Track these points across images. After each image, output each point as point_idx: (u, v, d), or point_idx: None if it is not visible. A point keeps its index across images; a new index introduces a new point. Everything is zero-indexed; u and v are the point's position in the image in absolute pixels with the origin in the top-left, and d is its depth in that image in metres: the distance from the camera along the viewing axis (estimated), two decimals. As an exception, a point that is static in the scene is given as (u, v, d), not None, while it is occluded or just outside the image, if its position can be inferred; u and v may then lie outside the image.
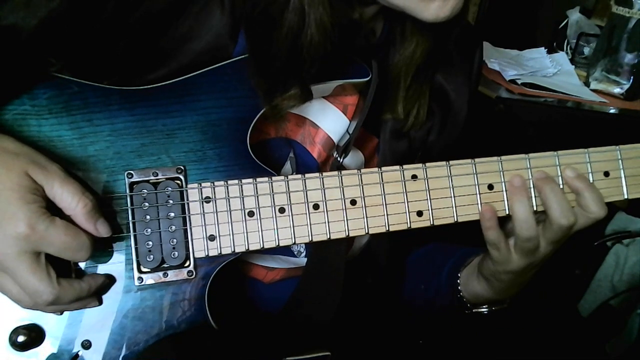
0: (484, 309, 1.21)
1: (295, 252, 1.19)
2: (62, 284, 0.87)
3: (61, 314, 0.94)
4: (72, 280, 0.90)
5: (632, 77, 2.43)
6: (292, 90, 1.02)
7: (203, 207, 0.98)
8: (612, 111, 2.37)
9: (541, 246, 1.02)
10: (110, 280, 0.97)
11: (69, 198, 0.86)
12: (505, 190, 1.03)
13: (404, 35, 1.16)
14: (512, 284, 1.11)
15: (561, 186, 1.03)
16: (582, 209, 1.02)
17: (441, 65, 1.23)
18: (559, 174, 1.04)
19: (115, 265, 0.97)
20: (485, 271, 1.11)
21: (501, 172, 1.03)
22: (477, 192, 1.03)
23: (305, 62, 1.00)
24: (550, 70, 2.60)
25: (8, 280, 0.86)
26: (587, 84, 2.54)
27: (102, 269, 0.96)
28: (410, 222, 1.02)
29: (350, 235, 1.01)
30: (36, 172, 0.85)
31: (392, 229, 1.02)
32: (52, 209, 0.86)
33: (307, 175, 1.00)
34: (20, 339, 0.93)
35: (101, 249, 0.95)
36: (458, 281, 1.20)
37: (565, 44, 2.91)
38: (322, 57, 1.00)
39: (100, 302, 0.96)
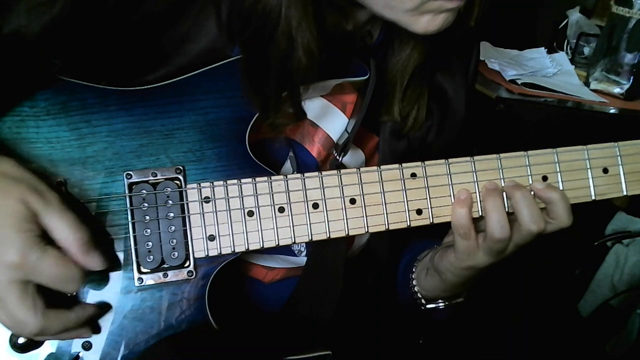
0: (440, 304, 1.20)
1: (296, 252, 1.19)
2: (49, 316, 0.85)
3: None
4: (59, 311, 0.87)
5: (632, 77, 2.43)
6: (285, 110, 1.02)
7: (202, 207, 0.98)
8: (612, 111, 2.38)
9: (508, 248, 1.03)
10: (101, 309, 0.95)
11: (65, 230, 0.84)
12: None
13: (401, 37, 1.16)
14: (467, 280, 1.11)
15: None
16: (552, 219, 1.02)
17: (439, 65, 1.24)
18: (558, 170, 1.05)
19: (114, 266, 0.97)
20: (441, 265, 1.10)
21: (500, 170, 1.03)
22: (477, 190, 1.03)
23: (296, 85, 1.00)
24: (550, 70, 2.60)
25: None
26: (587, 84, 2.54)
27: (101, 271, 0.96)
28: (409, 220, 1.02)
29: (350, 234, 1.01)
30: (34, 200, 0.82)
31: (391, 227, 1.02)
32: (47, 237, 0.84)
33: (306, 174, 1.00)
34: (21, 340, 0.93)
35: (100, 251, 0.95)
36: (412, 276, 1.21)
37: (565, 44, 2.91)
38: (312, 79, 1.00)
39: (96, 332, 0.95)
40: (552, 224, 1.02)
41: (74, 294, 0.93)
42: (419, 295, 1.21)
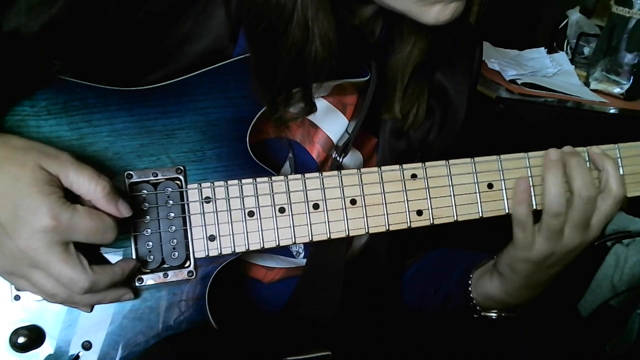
0: (492, 314, 1.20)
1: (294, 253, 1.19)
2: (96, 270, 0.87)
3: (91, 310, 0.94)
4: (104, 266, 0.90)
5: (632, 77, 2.43)
6: (296, 104, 1.02)
7: (203, 207, 0.98)
8: (612, 111, 2.38)
9: (565, 232, 1.02)
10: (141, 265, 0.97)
11: (86, 183, 0.86)
12: (505, 189, 1.04)
13: (402, 35, 1.16)
14: (527, 281, 1.09)
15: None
16: (604, 189, 1.02)
17: (441, 64, 1.24)
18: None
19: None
20: (502, 264, 1.10)
21: (501, 171, 1.03)
22: (477, 191, 1.03)
23: (310, 77, 1.00)
24: (550, 70, 2.60)
25: (41, 275, 0.86)
26: (587, 84, 2.54)
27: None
28: (410, 221, 1.02)
29: (351, 234, 1.01)
30: (49, 164, 0.84)
31: (392, 228, 1.02)
32: (70, 197, 0.86)
33: (307, 175, 1.00)
34: (21, 340, 0.93)
35: (101, 250, 0.95)
36: (469, 282, 1.19)
37: (565, 44, 2.91)
38: (326, 71, 1.00)
39: (137, 296, 0.97)
40: (606, 199, 1.02)
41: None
42: (474, 301, 1.19)
